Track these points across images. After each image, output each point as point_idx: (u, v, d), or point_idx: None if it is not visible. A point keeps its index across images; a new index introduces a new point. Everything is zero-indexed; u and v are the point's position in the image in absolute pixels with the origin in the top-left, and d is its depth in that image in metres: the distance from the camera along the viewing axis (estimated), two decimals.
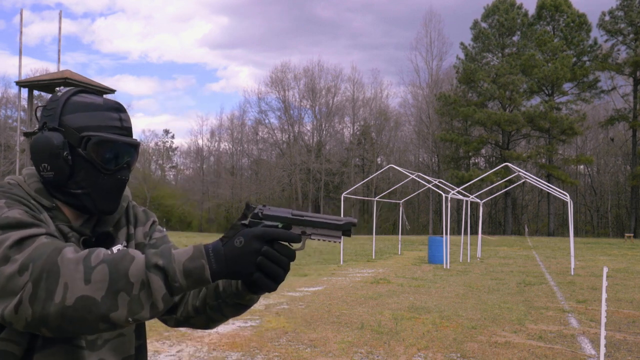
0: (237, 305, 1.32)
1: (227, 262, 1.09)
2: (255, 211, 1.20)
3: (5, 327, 1.16)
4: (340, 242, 1.20)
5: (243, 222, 1.19)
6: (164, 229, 1.54)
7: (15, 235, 1.10)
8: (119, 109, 1.34)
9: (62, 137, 1.27)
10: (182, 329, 6.96)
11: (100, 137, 1.28)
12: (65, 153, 1.26)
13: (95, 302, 1.02)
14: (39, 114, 1.34)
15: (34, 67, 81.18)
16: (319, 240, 1.20)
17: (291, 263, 1.15)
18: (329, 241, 1.20)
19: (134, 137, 1.39)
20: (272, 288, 1.14)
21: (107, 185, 1.31)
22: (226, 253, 1.09)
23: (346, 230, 1.19)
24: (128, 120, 1.36)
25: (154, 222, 1.51)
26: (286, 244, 1.15)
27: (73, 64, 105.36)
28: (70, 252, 1.07)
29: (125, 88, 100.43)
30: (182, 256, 1.08)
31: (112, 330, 1.09)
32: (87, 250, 1.07)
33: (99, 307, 1.03)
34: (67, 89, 1.36)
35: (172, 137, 72.38)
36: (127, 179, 1.36)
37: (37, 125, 1.32)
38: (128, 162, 1.34)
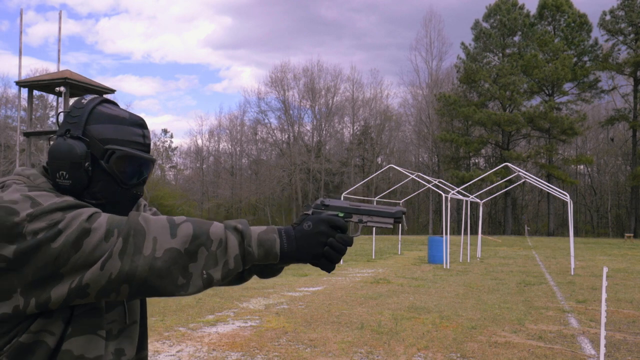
0: (273, 268, 1.43)
1: (297, 243, 1.22)
2: (318, 202, 1.36)
3: (38, 318, 1.17)
4: (391, 228, 1.37)
5: (306, 212, 1.34)
6: (155, 209, 1.59)
7: (86, 211, 1.17)
8: (142, 125, 1.36)
9: (86, 147, 1.27)
10: (182, 329, 6.96)
11: (125, 152, 1.29)
12: (87, 164, 1.27)
13: (180, 254, 1.13)
14: (61, 118, 1.34)
15: (34, 67, 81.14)
16: (374, 226, 1.37)
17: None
18: (383, 227, 1.37)
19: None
20: (329, 270, 1.28)
21: (123, 199, 1.34)
22: (296, 235, 1.23)
23: (397, 218, 1.35)
24: (149, 137, 1.38)
25: (145, 205, 1.55)
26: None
27: (75, 64, 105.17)
28: (149, 215, 1.18)
29: (128, 88, 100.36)
30: (257, 229, 1.22)
31: (185, 290, 1.16)
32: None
33: (182, 258, 1.14)
34: (92, 97, 1.36)
35: (171, 136, 72.34)
36: (141, 195, 1.40)
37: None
38: (144, 178, 1.38)
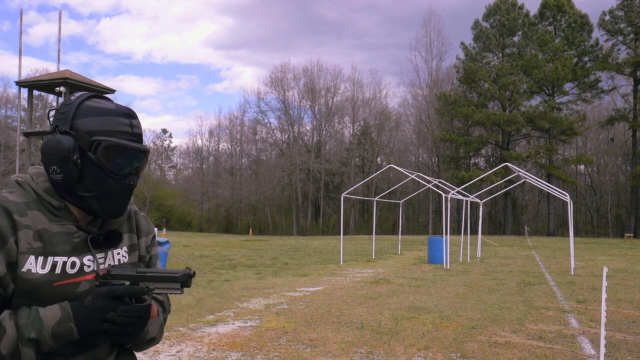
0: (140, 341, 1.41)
1: (76, 320, 1.20)
2: (105, 272, 1.29)
3: None
4: (181, 293, 1.30)
5: (96, 284, 1.29)
6: (158, 248, 1.61)
7: None
8: (130, 115, 1.36)
9: (73, 140, 1.29)
10: (182, 329, 6.96)
11: (110, 141, 1.29)
12: (75, 157, 1.28)
13: None
14: (51, 116, 1.36)
15: (34, 67, 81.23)
16: (161, 293, 1.30)
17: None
18: (172, 293, 1.30)
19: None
20: (125, 343, 1.27)
21: (115, 189, 1.33)
22: (75, 311, 1.20)
23: (183, 281, 1.29)
24: (139, 127, 1.37)
25: (154, 236, 1.56)
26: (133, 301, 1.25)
27: (76, 64, 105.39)
28: None
29: (129, 88, 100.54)
30: (51, 320, 1.18)
31: None
32: None
33: None
34: (81, 93, 1.37)
35: (170, 136, 72.34)
36: (135, 185, 1.38)
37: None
38: (137, 167, 1.36)
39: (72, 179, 1.28)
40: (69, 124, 1.30)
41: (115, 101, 1.39)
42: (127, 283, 1.27)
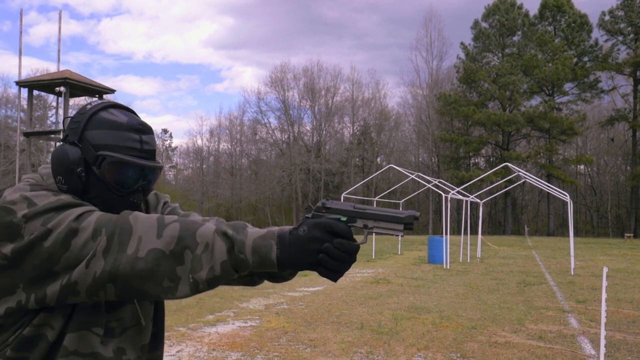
0: (281, 274, 1.34)
1: (290, 249, 1.12)
2: (319, 204, 1.23)
3: (41, 312, 1.20)
4: (401, 236, 1.21)
5: (307, 215, 1.22)
6: (177, 204, 1.54)
7: (76, 211, 1.17)
8: (141, 130, 1.31)
9: (80, 153, 1.27)
10: (182, 329, 6.96)
11: (114, 157, 1.26)
12: (79, 170, 1.26)
13: (164, 255, 1.10)
14: (66, 124, 1.34)
15: (35, 67, 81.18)
16: (381, 234, 1.21)
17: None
18: (391, 235, 1.20)
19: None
20: (333, 279, 1.16)
21: (119, 206, 1.30)
22: (290, 240, 1.12)
23: (408, 223, 1.18)
24: (150, 143, 1.33)
25: (165, 202, 1.51)
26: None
27: (76, 64, 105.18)
28: (142, 213, 1.17)
29: (129, 88, 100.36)
30: (255, 233, 1.12)
31: (172, 294, 1.13)
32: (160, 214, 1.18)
33: (168, 260, 1.10)
34: (99, 101, 1.34)
35: (171, 136, 72.34)
36: (140, 203, 1.35)
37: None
38: (144, 185, 1.33)
39: (76, 191, 1.27)
40: (79, 135, 1.28)
41: (126, 106, 1.36)
42: (344, 219, 1.18)
